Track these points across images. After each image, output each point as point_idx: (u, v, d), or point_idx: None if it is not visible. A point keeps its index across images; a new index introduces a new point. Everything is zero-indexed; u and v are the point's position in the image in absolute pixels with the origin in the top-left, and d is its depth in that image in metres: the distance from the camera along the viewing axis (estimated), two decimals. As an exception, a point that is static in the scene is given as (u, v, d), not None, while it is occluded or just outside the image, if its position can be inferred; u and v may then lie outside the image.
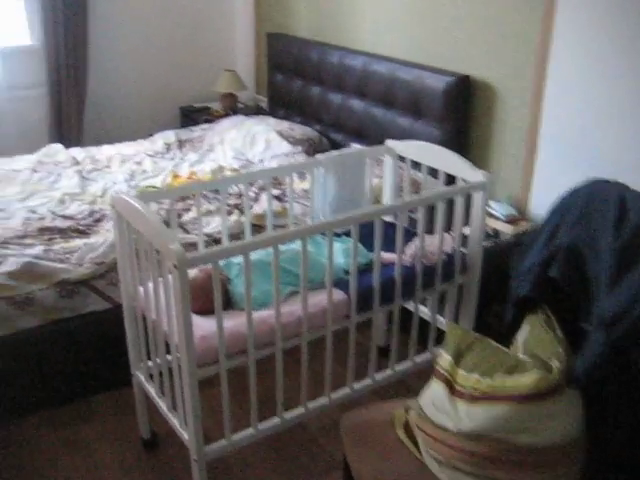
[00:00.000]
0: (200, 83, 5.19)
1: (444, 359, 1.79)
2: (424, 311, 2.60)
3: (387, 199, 2.82)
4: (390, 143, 2.72)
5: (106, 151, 4.12)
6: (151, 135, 4.53)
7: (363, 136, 3.93)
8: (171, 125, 5.02)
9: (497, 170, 3.30)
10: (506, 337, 1.91)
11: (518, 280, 1.84)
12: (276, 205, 3.20)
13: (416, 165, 2.69)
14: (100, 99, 4.79)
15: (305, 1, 4.48)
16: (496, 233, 3.02)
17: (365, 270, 2.30)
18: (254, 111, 5.03)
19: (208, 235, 2.93)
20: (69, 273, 2.63)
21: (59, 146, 4.09)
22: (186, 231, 3.00)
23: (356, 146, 3.87)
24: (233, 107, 4.99)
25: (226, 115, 4.86)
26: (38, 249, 2.78)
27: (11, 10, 4.38)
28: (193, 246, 2.73)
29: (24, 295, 2.54)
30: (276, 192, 3.37)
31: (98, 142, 4.38)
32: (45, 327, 2.58)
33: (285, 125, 4.24)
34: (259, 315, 2.06)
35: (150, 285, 2.03)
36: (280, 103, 4.73)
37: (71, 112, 4.59)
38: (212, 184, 2.66)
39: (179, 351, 1.86)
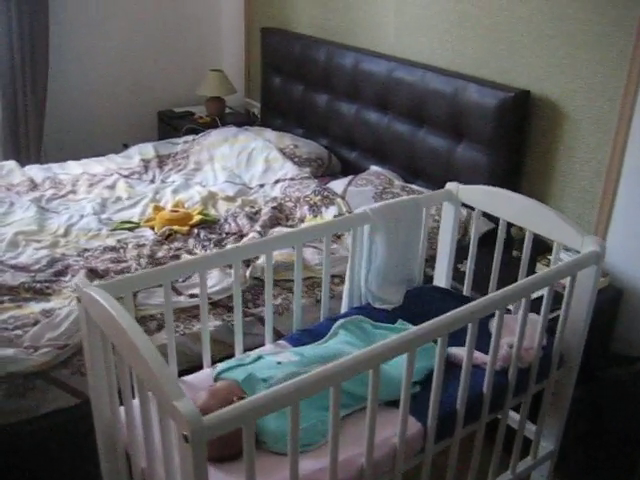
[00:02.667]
0: (182, 84, 4.46)
1: None
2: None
3: (444, 254, 2.15)
4: (452, 187, 2.05)
5: (71, 169, 3.40)
6: (125, 146, 3.83)
7: (384, 157, 3.27)
8: (148, 134, 4.29)
9: (558, 207, 2.66)
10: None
11: None
12: (287, 253, 2.50)
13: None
14: (63, 103, 4.03)
15: (308, -8, 3.78)
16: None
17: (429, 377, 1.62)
18: (245, 119, 4.34)
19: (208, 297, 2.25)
20: (18, 364, 1.90)
21: (13, 164, 3.35)
22: (176, 290, 2.30)
23: (375, 169, 3.20)
24: (220, 113, 4.28)
25: (213, 122, 4.16)
26: (-22, 322, 2.08)
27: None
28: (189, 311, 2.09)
29: (-46, 395, 1.84)
30: (285, 230, 2.69)
31: (62, 157, 3.64)
32: (-16, 437, 1.88)
33: (287, 141, 3.54)
34: (303, 470, 1.37)
35: (138, 422, 1.35)
36: (276, 110, 4.04)
37: (29, 119, 3.83)
38: (217, 258, 1.80)
39: None
